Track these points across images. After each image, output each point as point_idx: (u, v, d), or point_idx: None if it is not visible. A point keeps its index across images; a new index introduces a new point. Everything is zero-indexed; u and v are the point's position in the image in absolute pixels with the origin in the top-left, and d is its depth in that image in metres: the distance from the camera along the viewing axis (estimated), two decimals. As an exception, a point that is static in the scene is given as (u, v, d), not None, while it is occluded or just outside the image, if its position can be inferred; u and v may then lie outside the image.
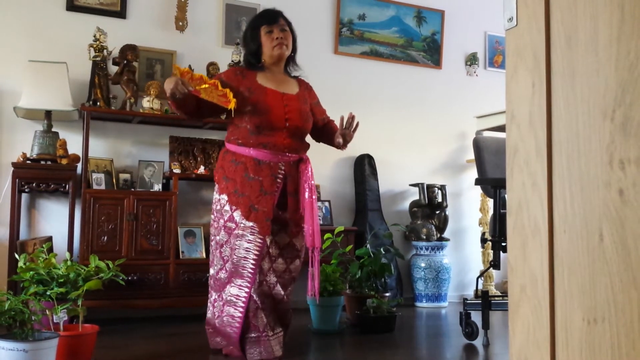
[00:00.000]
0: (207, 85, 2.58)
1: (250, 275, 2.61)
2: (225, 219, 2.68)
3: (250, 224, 2.61)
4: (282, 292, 2.73)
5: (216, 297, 2.74)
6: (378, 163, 4.78)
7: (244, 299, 2.61)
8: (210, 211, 2.86)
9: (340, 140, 2.81)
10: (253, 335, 2.62)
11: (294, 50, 2.92)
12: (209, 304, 2.80)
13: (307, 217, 2.71)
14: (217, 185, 2.78)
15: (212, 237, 2.76)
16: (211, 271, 2.78)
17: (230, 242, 2.65)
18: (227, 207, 2.68)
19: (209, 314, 2.79)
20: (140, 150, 4.04)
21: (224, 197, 2.70)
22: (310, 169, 2.77)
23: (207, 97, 2.57)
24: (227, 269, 2.66)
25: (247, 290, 2.61)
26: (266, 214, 2.63)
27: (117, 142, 4.01)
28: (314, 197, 2.73)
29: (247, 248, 2.62)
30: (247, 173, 2.67)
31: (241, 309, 2.61)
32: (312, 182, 2.76)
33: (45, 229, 3.77)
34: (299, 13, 4.68)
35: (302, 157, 2.79)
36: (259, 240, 2.62)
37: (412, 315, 4.15)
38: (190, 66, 2.91)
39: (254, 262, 2.61)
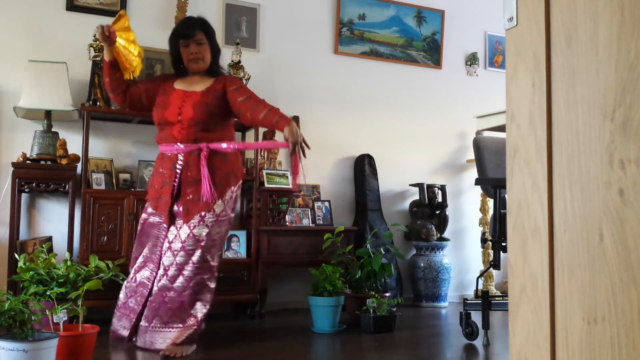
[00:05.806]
0: (124, 41, 2.89)
1: (157, 260, 2.83)
2: (145, 208, 2.99)
3: (157, 212, 2.89)
4: (186, 284, 2.78)
5: (132, 276, 2.90)
6: (378, 163, 4.78)
7: (152, 280, 2.84)
8: None
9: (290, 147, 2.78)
10: (143, 324, 2.78)
11: (216, 56, 3.09)
12: (123, 286, 2.93)
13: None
14: None
15: None
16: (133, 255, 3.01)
17: (145, 231, 2.92)
18: (147, 202, 3.00)
19: (121, 296, 2.92)
20: (140, 150, 4.04)
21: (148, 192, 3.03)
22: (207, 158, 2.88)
23: (120, 50, 2.91)
24: (144, 254, 2.90)
25: (154, 273, 2.84)
26: (166, 203, 2.87)
27: (117, 142, 4.01)
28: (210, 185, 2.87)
29: (156, 236, 2.87)
30: (158, 167, 2.98)
31: (148, 289, 2.83)
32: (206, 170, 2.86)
33: (45, 229, 3.77)
34: (299, 13, 4.69)
35: (201, 146, 2.88)
36: (164, 229, 2.86)
37: (412, 315, 4.15)
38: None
39: (160, 248, 2.84)
